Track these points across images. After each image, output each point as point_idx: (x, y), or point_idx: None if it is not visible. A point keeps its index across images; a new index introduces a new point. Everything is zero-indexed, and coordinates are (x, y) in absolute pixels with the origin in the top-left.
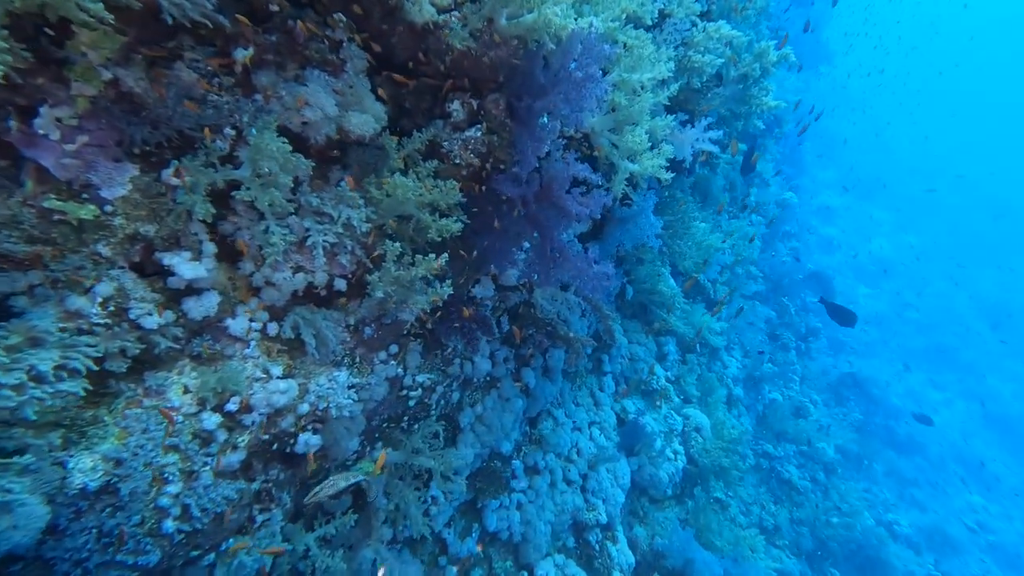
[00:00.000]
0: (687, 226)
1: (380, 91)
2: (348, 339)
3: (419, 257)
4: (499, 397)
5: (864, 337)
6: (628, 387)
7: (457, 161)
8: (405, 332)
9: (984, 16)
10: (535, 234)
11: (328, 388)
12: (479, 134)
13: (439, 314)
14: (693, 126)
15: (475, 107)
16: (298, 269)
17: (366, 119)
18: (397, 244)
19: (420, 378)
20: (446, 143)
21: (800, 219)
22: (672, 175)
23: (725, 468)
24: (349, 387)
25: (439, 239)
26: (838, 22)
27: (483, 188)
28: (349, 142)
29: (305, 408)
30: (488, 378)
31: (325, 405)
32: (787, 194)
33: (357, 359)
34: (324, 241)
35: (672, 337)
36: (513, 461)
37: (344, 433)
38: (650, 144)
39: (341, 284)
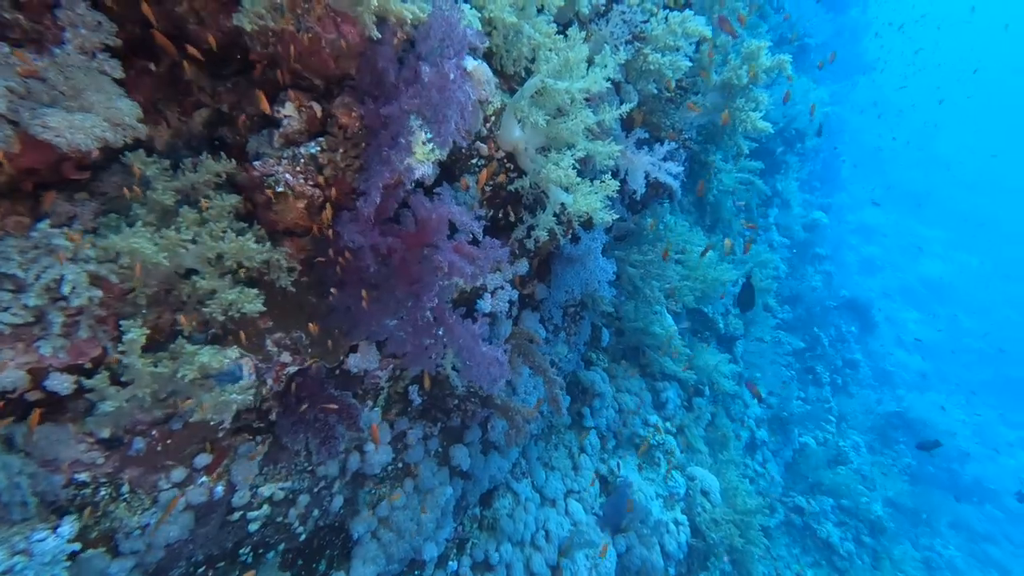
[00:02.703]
0: (663, 267)
1: (199, 92)
2: (99, 461)
3: (188, 346)
4: (415, 489)
5: (915, 366)
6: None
7: (280, 189)
8: (221, 433)
9: None
10: (413, 293)
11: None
12: (316, 150)
13: (279, 402)
14: (652, 148)
15: (318, 113)
16: None
17: (84, 123)
18: (139, 330)
19: (266, 490)
20: (259, 163)
21: (835, 239)
22: (615, 217)
23: (738, 549)
24: (70, 555)
25: (222, 317)
26: (877, 29)
27: (332, 229)
28: (71, 160)
29: None
30: (399, 466)
31: None
32: (816, 214)
33: (124, 489)
34: None
35: (673, 382)
36: (450, 563)
37: None
38: (582, 170)
39: (59, 383)
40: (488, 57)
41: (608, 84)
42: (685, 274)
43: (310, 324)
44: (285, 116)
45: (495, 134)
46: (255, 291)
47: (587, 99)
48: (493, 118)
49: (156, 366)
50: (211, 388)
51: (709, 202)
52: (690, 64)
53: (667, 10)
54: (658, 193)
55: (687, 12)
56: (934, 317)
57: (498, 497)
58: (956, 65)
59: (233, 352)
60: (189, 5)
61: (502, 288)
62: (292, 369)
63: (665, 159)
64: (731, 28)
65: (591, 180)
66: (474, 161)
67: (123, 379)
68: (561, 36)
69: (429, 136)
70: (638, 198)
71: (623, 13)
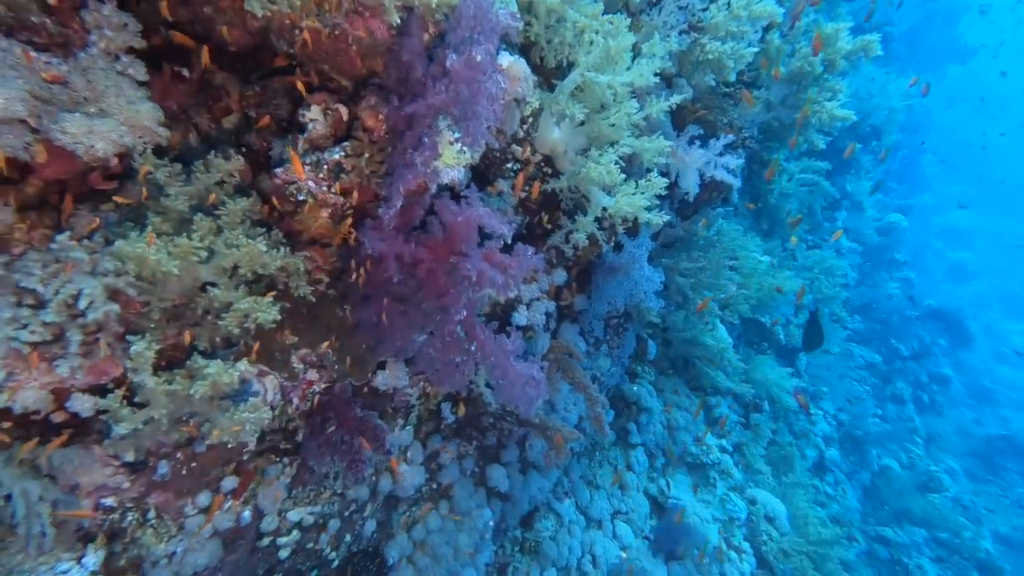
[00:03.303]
0: (716, 275)
1: (228, 93)
2: (125, 485)
3: (202, 362)
4: (450, 511)
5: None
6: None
7: (302, 197)
8: (247, 455)
9: None
10: (441, 307)
11: None
12: (340, 155)
13: (306, 422)
14: (707, 144)
15: (344, 115)
16: None
17: (102, 128)
18: (145, 343)
19: (295, 515)
20: (280, 170)
21: (916, 243)
22: (664, 219)
23: None
24: None
25: (238, 331)
26: (981, 6)
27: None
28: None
29: None
30: (434, 487)
31: None
32: (893, 216)
33: (150, 515)
34: (8, 337)
35: (727, 396)
36: None
37: None
38: (627, 170)
39: (81, 404)
40: (526, 49)
41: (656, 78)
42: (740, 282)
43: (335, 339)
44: (310, 120)
45: (532, 136)
46: (269, 299)
47: (634, 95)
48: (531, 119)
49: (170, 384)
50: (227, 408)
51: (768, 204)
52: (754, 51)
53: None
54: (711, 196)
55: None
56: None
57: (540, 518)
58: None
59: (243, 364)
60: (217, 5)
61: (538, 299)
62: (319, 387)
63: (722, 154)
64: (798, 13)
65: (636, 181)
66: (509, 165)
67: (137, 400)
68: (609, 18)
69: (457, 136)
70: (690, 199)
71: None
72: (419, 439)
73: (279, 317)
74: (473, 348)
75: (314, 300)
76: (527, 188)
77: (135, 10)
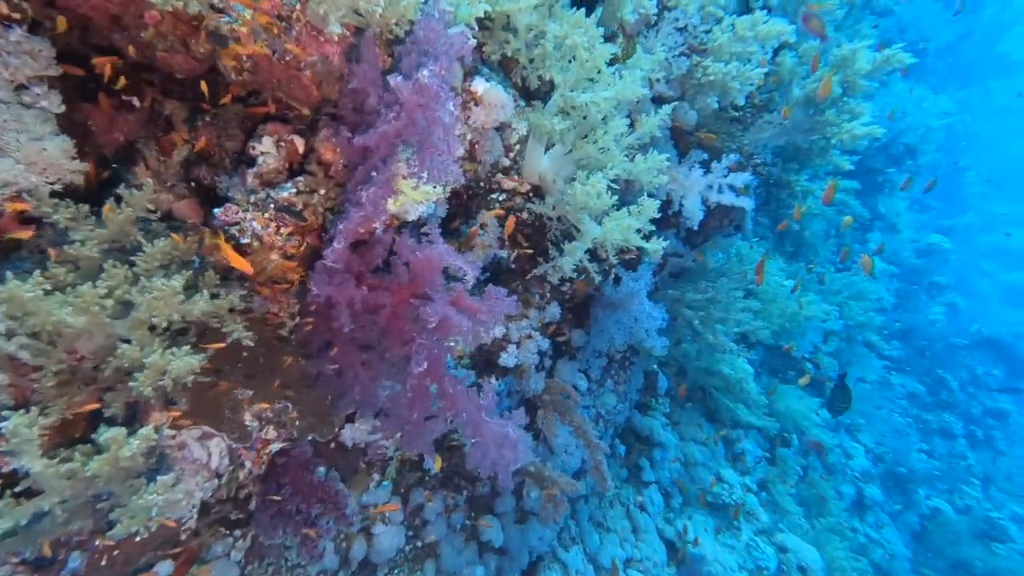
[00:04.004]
0: (729, 306)
1: (174, 124)
2: None
3: (107, 432)
4: (437, 572)
5: None
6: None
7: (245, 240)
8: (185, 533)
9: None
10: (406, 356)
11: None
12: (291, 192)
13: (261, 488)
14: (708, 168)
15: (300, 148)
16: None
17: None
18: (26, 418)
19: None
20: (219, 211)
21: (961, 265)
22: (664, 243)
23: None
24: None
25: (149, 391)
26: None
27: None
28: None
29: None
30: (419, 545)
31: None
32: (933, 237)
33: None
34: None
35: (750, 430)
36: None
37: None
38: (624, 197)
39: None
40: (508, 68)
41: (646, 91)
42: (759, 309)
43: (295, 392)
44: (261, 153)
45: (520, 164)
46: (186, 348)
47: (627, 116)
48: (517, 146)
49: (65, 464)
50: (138, 489)
51: (791, 227)
52: (762, 72)
53: (735, 15)
54: (722, 223)
55: (760, 13)
56: None
57: (543, 569)
58: None
59: (146, 431)
60: (156, 30)
61: (530, 337)
62: (276, 447)
63: (727, 176)
64: (820, 26)
65: (628, 208)
66: (495, 196)
67: (18, 488)
68: (588, 23)
69: (413, 170)
70: (695, 226)
71: (676, 20)
72: (399, 494)
73: (198, 367)
74: (444, 403)
75: (271, 347)
76: (504, 221)
77: (74, 37)
